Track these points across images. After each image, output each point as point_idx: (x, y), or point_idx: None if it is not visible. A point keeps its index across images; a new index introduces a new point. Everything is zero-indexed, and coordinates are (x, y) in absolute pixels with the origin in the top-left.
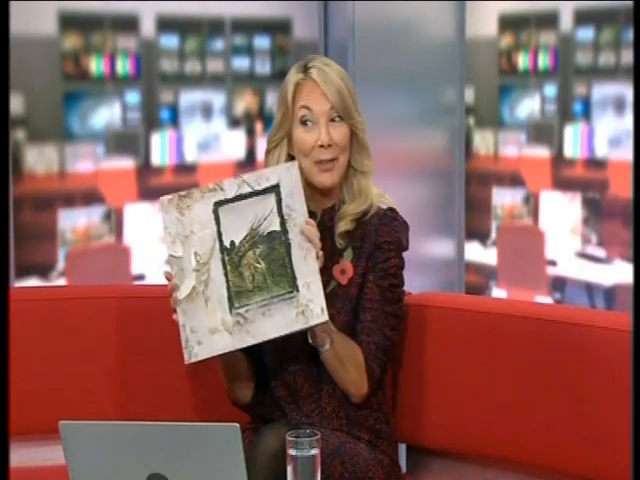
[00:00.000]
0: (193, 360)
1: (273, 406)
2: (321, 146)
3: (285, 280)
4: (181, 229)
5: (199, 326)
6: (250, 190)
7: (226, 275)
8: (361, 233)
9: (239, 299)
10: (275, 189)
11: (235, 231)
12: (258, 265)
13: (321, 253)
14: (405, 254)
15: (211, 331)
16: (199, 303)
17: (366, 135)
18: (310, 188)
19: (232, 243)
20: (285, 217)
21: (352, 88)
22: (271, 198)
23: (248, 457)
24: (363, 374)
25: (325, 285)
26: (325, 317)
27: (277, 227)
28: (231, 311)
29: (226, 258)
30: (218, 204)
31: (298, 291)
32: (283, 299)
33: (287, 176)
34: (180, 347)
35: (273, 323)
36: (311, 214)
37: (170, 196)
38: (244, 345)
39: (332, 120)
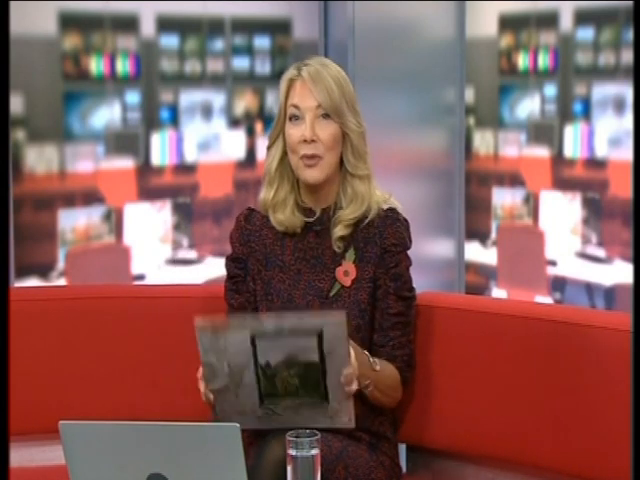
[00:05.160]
0: None
1: None
2: (304, 141)
3: (317, 393)
4: (215, 346)
5: (229, 410)
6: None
7: (258, 382)
8: (364, 235)
9: (269, 400)
10: (317, 334)
11: (273, 355)
12: (291, 381)
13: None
14: None
15: (240, 413)
16: (229, 396)
17: (365, 140)
18: (306, 186)
19: (267, 363)
20: (325, 354)
21: (349, 90)
22: (312, 339)
23: (253, 465)
24: (400, 389)
25: (328, 288)
26: (352, 424)
27: (316, 359)
28: (261, 406)
29: (260, 372)
30: (256, 335)
31: (329, 403)
32: (313, 405)
33: (332, 328)
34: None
35: (301, 418)
36: (310, 211)
37: (204, 323)
38: (270, 427)
39: (322, 117)
